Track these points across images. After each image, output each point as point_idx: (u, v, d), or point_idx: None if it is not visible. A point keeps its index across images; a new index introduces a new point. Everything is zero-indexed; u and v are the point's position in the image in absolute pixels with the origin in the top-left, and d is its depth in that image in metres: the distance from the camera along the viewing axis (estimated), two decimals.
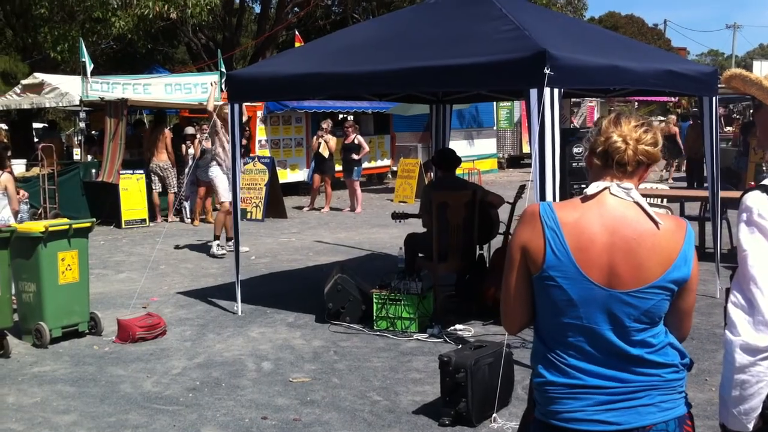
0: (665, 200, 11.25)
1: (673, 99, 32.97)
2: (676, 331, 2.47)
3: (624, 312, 2.34)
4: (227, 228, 11.59)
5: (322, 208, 17.63)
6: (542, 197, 6.06)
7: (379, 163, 23.92)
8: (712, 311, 7.87)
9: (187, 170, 15.38)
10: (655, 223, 2.36)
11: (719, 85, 8.47)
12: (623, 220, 2.37)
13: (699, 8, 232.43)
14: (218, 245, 11.73)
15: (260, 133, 19.95)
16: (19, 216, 9.23)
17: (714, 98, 8.38)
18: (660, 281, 2.34)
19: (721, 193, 8.75)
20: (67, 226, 7.31)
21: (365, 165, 19.79)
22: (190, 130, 16.61)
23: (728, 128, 26.68)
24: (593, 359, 2.38)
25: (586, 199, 2.42)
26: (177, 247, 12.50)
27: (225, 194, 11.56)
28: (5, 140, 8.45)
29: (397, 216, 8.67)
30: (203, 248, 12.51)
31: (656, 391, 2.37)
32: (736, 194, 10.26)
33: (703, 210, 10.99)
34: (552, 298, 2.39)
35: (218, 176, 11.77)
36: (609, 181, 2.42)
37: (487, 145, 28.11)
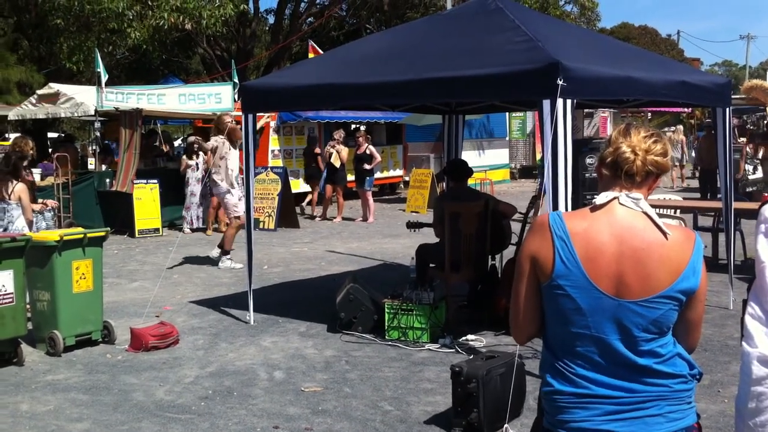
0: (678, 211, 11.22)
1: (686, 110, 32.86)
2: (684, 342, 2.47)
3: (632, 321, 2.34)
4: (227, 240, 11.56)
5: (335, 218, 17.66)
6: (555, 208, 6.06)
7: (392, 173, 23.94)
8: (725, 322, 7.83)
9: (192, 179, 15.52)
10: (664, 233, 2.37)
11: (733, 96, 8.46)
12: (632, 230, 2.37)
13: (713, 19, 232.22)
14: (229, 259, 11.62)
15: (273, 143, 20.03)
16: (44, 224, 9.30)
17: (727, 109, 8.36)
18: (668, 291, 2.34)
19: (735, 204, 8.71)
20: (82, 235, 7.36)
21: (377, 175, 19.82)
22: (191, 139, 16.75)
23: (741, 139, 26.57)
24: (601, 369, 2.38)
25: (596, 209, 2.43)
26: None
27: (233, 209, 11.54)
28: (31, 150, 8.49)
29: (413, 225, 8.68)
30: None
31: (664, 402, 2.37)
32: (749, 205, 10.23)
33: (717, 221, 10.94)
34: (560, 307, 2.39)
35: (223, 193, 11.74)
36: (618, 191, 2.43)
37: (499, 155, 28.09)
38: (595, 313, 2.35)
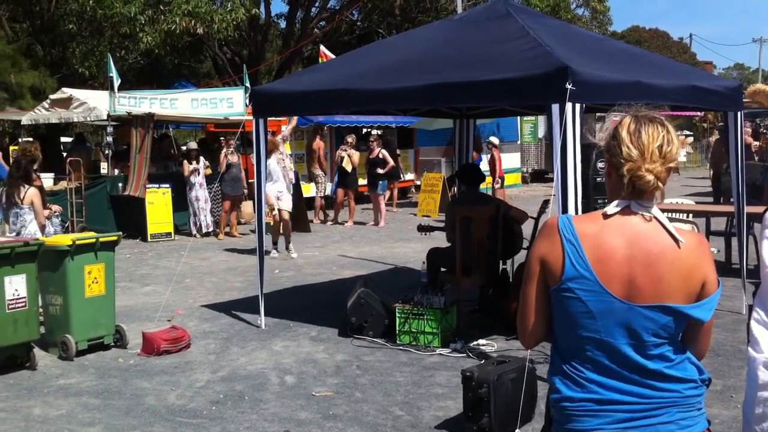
0: (691, 215, 11.17)
1: (699, 113, 32.76)
2: (693, 349, 2.44)
3: (642, 326, 2.32)
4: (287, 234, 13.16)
5: (346, 222, 17.68)
6: (564, 211, 6.06)
7: (403, 177, 23.92)
8: (737, 327, 7.79)
9: (195, 184, 15.59)
10: (676, 240, 2.35)
11: (745, 100, 8.43)
12: (645, 234, 2.35)
13: (725, 22, 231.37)
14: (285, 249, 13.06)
15: (285, 148, 20.05)
16: (52, 229, 9.34)
17: (739, 113, 8.33)
18: (681, 308, 2.31)
19: (747, 208, 8.67)
20: (94, 240, 7.39)
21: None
22: (192, 145, 16.84)
23: (755, 143, 26.40)
24: (611, 373, 2.36)
25: (607, 216, 2.41)
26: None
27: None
28: (39, 154, 8.56)
29: (424, 229, 8.69)
30: (227, 261, 12.61)
31: (675, 408, 2.35)
32: (762, 209, 10.18)
33: (729, 225, 10.90)
34: (570, 311, 2.37)
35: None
36: (630, 199, 2.40)
37: (511, 159, 28.04)
38: (605, 317, 2.33)
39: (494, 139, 19.36)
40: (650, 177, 2.34)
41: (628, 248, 2.34)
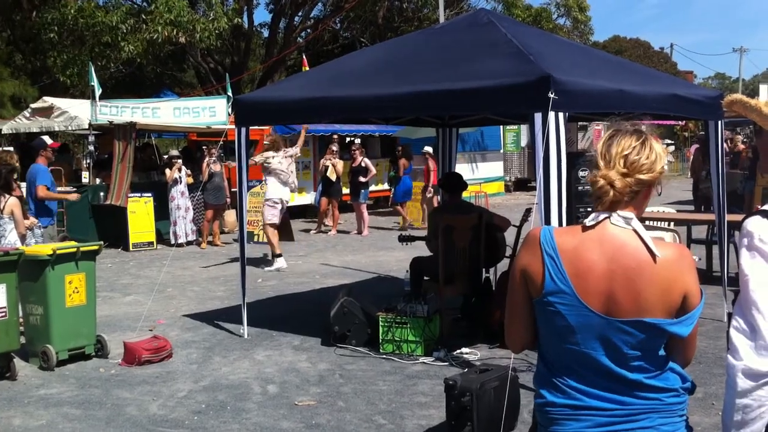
0: (672, 224, 11.24)
1: (680, 122, 32.99)
2: (678, 358, 2.45)
3: (622, 340, 2.33)
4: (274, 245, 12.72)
5: (330, 230, 17.66)
6: (547, 221, 6.07)
7: (386, 186, 23.92)
8: (719, 335, 7.83)
9: (176, 193, 15.50)
10: (653, 255, 2.34)
11: (724, 109, 8.50)
12: (623, 248, 2.35)
13: (706, 32, 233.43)
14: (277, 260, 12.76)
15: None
16: (34, 241, 9.24)
17: (719, 122, 8.39)
18: (661, 324, 2.31)
19: (728, 217, 8.73)
20: (75, 249, 7.34)
21: (372, 188, 19.87)
22: (174, 152, 16.78)
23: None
24: (592, 382, 2.38)
25: (587, 228, 2.41)
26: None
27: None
28: (17, 164, 8.49)
29: (405, 239, 8.69)
30: (210, 270, 12.55)
31: (656, 414, 2.37)
32: (742, 218, 10.25)
33: (710, 233, 10.97)
34: (551, 323, 2.40)
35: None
36: (609, 211, 2.40)
37: (493, 168, 28.13)
38: (584, 331, 2.35)
39: (428, 149, 19.42)
40: (602, 182, 2.35)
41: (607, 263, 2.35)
